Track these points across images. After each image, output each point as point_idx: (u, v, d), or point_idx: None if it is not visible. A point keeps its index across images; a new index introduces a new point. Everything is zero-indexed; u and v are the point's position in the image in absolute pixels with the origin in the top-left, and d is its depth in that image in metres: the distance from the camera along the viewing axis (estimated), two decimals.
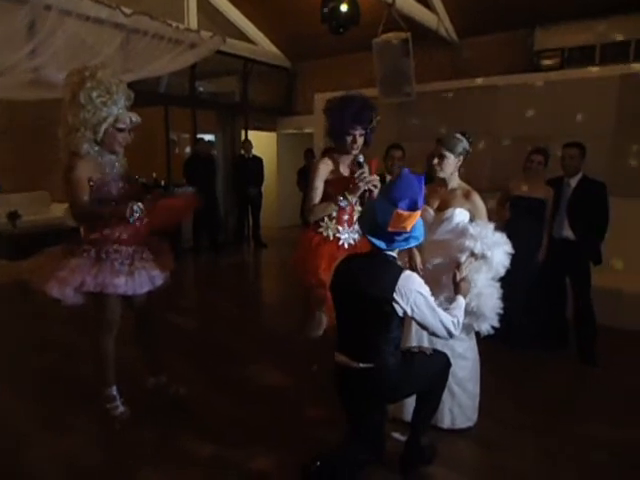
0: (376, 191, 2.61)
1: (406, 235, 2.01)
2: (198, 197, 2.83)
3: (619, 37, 5.38)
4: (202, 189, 2.77)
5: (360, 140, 2.67)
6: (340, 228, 2.75)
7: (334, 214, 2.72)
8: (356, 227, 2.77)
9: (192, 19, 6.37)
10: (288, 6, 6.74)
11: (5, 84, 4.68)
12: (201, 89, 7.94)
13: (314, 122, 7.53)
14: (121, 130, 2.53)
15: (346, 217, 2.76)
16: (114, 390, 2.75)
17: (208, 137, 7.97)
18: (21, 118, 7.75)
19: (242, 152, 7.82)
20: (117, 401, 2.75)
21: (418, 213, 1.99)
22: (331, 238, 2.75)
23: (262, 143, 8.67)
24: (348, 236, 2.77)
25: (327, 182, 2.72)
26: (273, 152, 9.23)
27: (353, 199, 2.66)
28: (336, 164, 2.74)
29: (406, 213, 1.95)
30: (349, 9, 4.36)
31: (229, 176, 8.15)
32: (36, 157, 8.42)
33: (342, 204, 2.65)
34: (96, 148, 2.51)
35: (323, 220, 2.74)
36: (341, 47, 6.83)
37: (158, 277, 2.69)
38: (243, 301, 5.37)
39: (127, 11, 5.33)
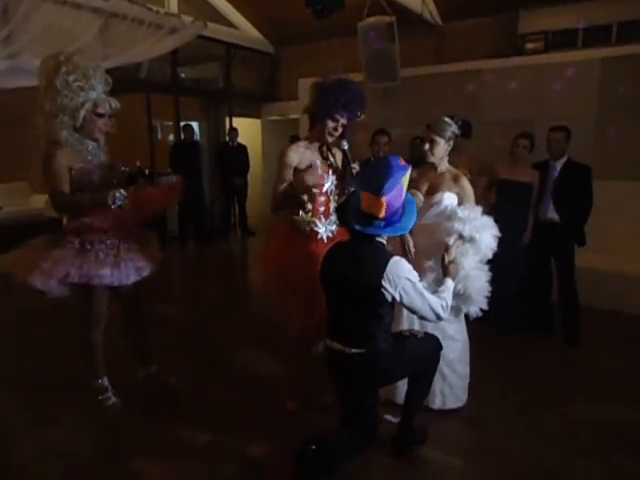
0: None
1: (380, 223, 1.99)
2: (183, 183, 2.71)
3: (600, 20, 5.41)
4: (187, 177, 2.70)
5: (340, 129, 2.50)
6: (317, 221, 2.56)
7: (309, 206, 2.52)
8: (333, 218, 2.61)
9: (172, 3, 6.25)
10: None
11: None
12: (183, 75, 7.80)
13: (299, 108, 7.46)
14: (101, 115, 2.46)
15: (322, 209, 2.57)
16: (105, 381, 2.73)
17: (192, 124, 7.86)
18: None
19: (227, 140, 7.73)
20: (109, 392, 2.73)
21: (381, 200, 1.95)
22: (307, 232, 2.56)
23: (246, 130, 8.57)
24: (325, 229, 2.59)
25: (296, 169, 2.51)
26: (258, 139, 9.14)
27: (330, 186, 2.53)
28: (306, 150, 2.54)
29: (372, 196, 1.95)
30: None
31: (214, 164, 8.06)
32: (14, 147, 8.22)
33: (321, 198, 2.50)
34: (76, 135, 2.44)
35: (298, 214, 2.53)
36: (325, 32, 6.75)
37: (145, 268, 2.64)
38: (231, 289, 5.35)
39: None
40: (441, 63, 6.18)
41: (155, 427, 2.63)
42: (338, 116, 2.45)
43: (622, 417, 2.76)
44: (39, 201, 8.21)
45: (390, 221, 2.02)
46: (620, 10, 5.27)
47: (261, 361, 3.42)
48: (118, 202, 2.27)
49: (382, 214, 1.97)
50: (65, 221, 2.60)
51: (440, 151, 2.60)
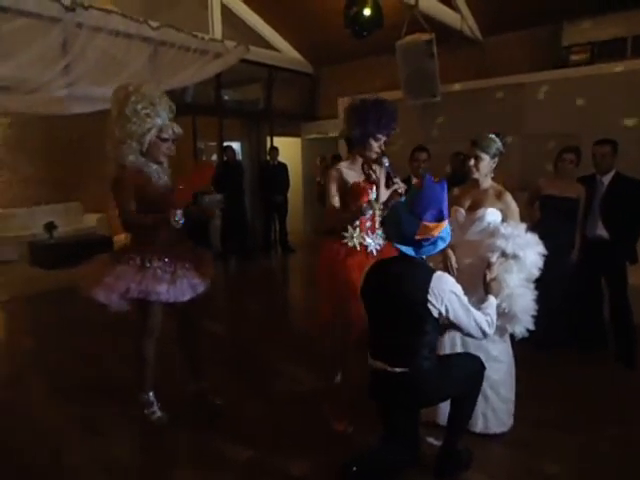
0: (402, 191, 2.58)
1: (433, 239, 2.01)
2: (211, 164, 2.88)
3: None
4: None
5: (377, 146, 2.62)
6: (365, 236, 2.66)
7: (357, 222, 2.63)
8: (379, 232, 2.72)
9: (217, 29, 6.50)
10: (310, 12, 6.80)
11: (40, 100, 4.87)
12: (226, 97, 8.08)
13: (338, 126, 7.55)
14: (165, 140, 2.62)
15: (369, 224, 2.67)
16: (151, 396, 2.83)
17: (234, 144, 8.10)
18: (56, 132, 8.05)
19: (268, 158, 7.90)
20: (154, 406, 2.82)
21: (445, 222, 1.99)
22: (358, 248, 2.65)
23: (287, 149, 8.74)
24: (374, 243, 2.69)
25: (342, 190, 2.64)
26: (298, 157, 9.29)
27: (378, 205, 2.59)
28: (349, 170, 2.67)
29: (432, 224, 1.96)
30: (372, 13, 4.37)
31: (255, 182, 8.24)
32: (69, 169, 8.73)
33: (367, 212, 2.56)
34: (142, 159, 2.62)
35: (347, 230, 2.64)
36: (363, 50, 6.84)
37: (199, 285, 2.75)
38: (272, 306, 5.41)
39: (154, 24, 5.49)
40: (482, 78, 6.11)
41: (199, 442, 2.69)
42: (380, 135, 2.58)
43: None
44: (91, 220, 8.65)
45: (439, 237, 2.03)
46: None
47: (304, 378, 3.43)
48: (181, 222, 2.44)
49: (437, 234, 2.00)
50: (130, 239, 2.74)
51: (485, 167, 2.58)
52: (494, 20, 6.10)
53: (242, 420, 2.90)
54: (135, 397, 2.85)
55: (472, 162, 2.60)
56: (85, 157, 8.83)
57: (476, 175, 2.61)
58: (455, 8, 5.83)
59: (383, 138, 2.60)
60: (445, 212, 2.00)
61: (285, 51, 8.06)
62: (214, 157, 7.76)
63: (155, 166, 2.67)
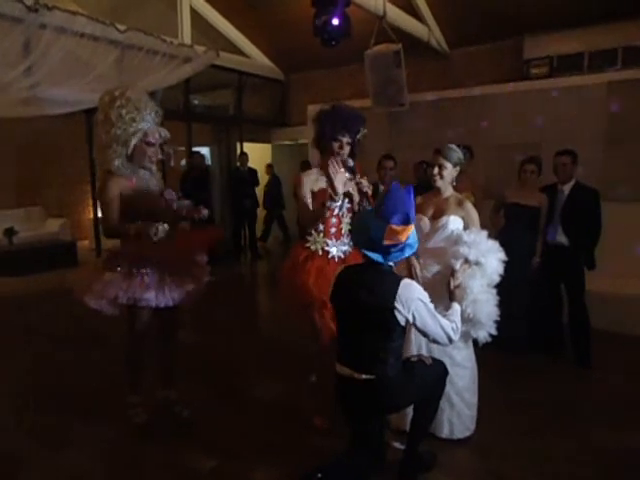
0: (370, 192, 2.62)
1: (401, 246, 2.04)
2: (221, 231, 2.94)
3: (605, 45, 5.48)
4: (198, 202, 2.79)
5: (347, 148, 2.66)
6: (328, 241, 2.71)
7: (321, 227, 2.68)
8: (345, 239, 2.75)
9: (186, 34, 6.45)
10: (280, 19, 6.84)
11: (1, 102, 4.71)
12: (196, 102, 8.01)
13: (308, 133, 7.60)
14: (150, 144, 2.61)
15: (333, 230, 2.71)
16: (136, 399, 2.80)
17: (203, 150, 8.03)
18: (16, 135, 7.79)
19: (237, 164, 7.86)
20: (138, 409, 2.79)
21: (412, 226, 2.03)
22: (320, 253, 2.70)
23: (257, 155, 8.72)
24: (337, 249, 2.72)
25: (312, 193, 2.69)
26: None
27: (339, 198, 2.59)
28: (318, 176, 2.72)
29: (400, 227, 1.99)
30: (341, 22, 4.42)
31: (224, 188, 8.19)
32: (31, 173, 8.47)
33: (332, 205, 2.58)
34: (128, 164, 2.60)
35: (311, 234, 2.71)
36: (333, 59, 6.92)
37: (189, 291, 2.73)
38: (241, 313, 5.37)
39: (121, 27, 5.40)
40: (448, 88, 6.28)
41: (163, 452, 2.63)
42: (339, 136, 2.63)
43: (637, 443, 2.69)
44: (54, 225, 8.40)
45: (406, 243, 2.06)
46: (625, 35, 5.35)
47: (272, 385, 3.41)
48: (160, 235, 2.40)
49: (405, 239, 2.02)
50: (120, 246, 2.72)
51: (448, 175, 2.65)
52: (460, 33, 6.29)
53: (208, 428, 2.85)
54: (100, 408, 2.78)
55: (436, 170, 2.66)
56: (47, 160, 8.59)
57: (439, 183, 2.67)
58: (422, 20, 5.99)
59: (344, 139, 2.64)
60: (412, 216, 2.03)
61: (255, 57, 8.07)
62: (183, 162, 7.67)
63: (142, 172, 2.66)
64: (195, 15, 6.81)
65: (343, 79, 7.58)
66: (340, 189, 2.54)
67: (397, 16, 5.57)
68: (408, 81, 5.82)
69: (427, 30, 6.12)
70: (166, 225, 2.43)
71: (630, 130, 4.93)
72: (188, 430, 2.81)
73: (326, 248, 2.70)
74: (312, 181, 2.70)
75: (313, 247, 2.71)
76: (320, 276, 2.59)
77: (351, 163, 2.65)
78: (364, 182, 2.61)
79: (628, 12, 5.14)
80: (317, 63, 7.63)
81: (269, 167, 8.81)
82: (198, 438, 2.75)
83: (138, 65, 5.70)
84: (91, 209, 7.53)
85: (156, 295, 2.58)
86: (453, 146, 2.66)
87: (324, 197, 2.61)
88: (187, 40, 6.42)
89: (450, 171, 2.64)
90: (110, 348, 3.87)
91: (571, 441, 2.72)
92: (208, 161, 8.43)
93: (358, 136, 2.71)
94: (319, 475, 2.05)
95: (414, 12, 5.83)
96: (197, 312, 5.60)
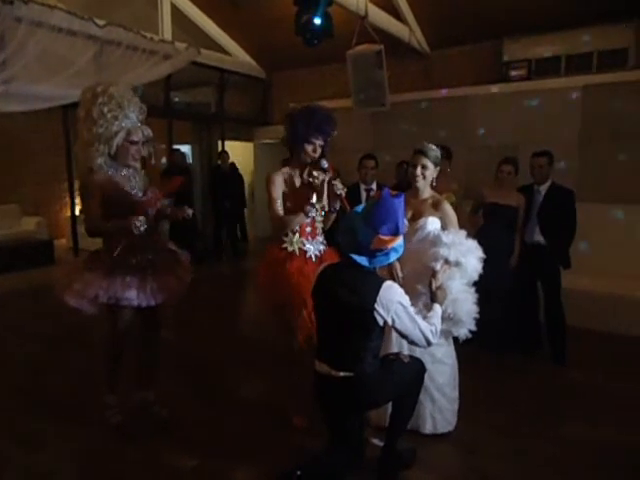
0: (343, 193, 2.58)
1: (387, 251, 2.06)
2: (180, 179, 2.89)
3: (581, 49, 5.61)
4: (178, 200, 2.76)
5: (319, 150, 2.66)
6: (304, 241, 2.71)
7: (297, 228, 2.68)
8: (319, 238, 2.77)
9: (166, 30, 6.38)
10: (262, 17, 6.81)
11: None
12: (177, 99, 7.92)
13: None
14: (134, 143, 2.56)
15: (309, 229, 2.72)
16: (113, 399, 2.76)
17: (184, 148, 7.94)
18: None
19: (219, 162, 7.81)
20: (115, 409, 2.76)
21: (400, 237, 2.05)
22: (297, 253, 2.69)
23: (239, 153, 8.67)
24: (314, 248, 2.73)
25: (284, 194, 2.68)
26: (250, 162, 9.25)
27: (320, 205, 2.60)
28: (290, 176, 2.71)
29: (388, 238, 2.01)
30: (323, 22, 4.43)
31: (206, 187, 8.11)
32: (5, 171, 8.26)
33: (311, 213, 2.59)
34: (110, 162, 2.55)
35: (287, 235, 2.69)
36: (316, 58, 6.92)
37: (171, 289, 2.70)
38: (222, 312, 5.34)
39: (100, 22, 5.32)
40: (429, 89, 6.34)
41: (142, 452, 2.60)
42: (313, 139, 2.62)
43: (615, 439, 2.75)
44: (30, 223, 8.23)
45: (392, 248, 2.07)
46: (600, 39, 5.48)
47: (252, 384, 3.41)
48: (142, 229, 2.38)
49: (391, 246, 2.04)
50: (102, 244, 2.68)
51: (430, 175, 2.68)
52: (441, 34, 6.35)
53: (188, 428, 2.84)
54: (76, 409, 2.73)
55: (419, 170, 2.67)
56: (22, 157, 8.40)
57: (420, 183, 2.69)
58: (404, 21, 6.03)
59: (317, 142, 2.63)
60: (401, 227, 2.04)
61: (237, 55, 8.02)
62: (163, 160, 7.58)
63: (126, 170, 2.61)
64: (176, 12, 6.74)
65: (326, 78, 7.59)
66: (325, 200, 2.58)
67: (379, 16, 5.60)
68: (389, 81, 5.86)
69: (408, 31, 6.17)
70: (142, 218, 2.40)
71: (604, 132, 5.06)
72: (167, 430, 2.78)
73: (303, 248, 2.71)
74: (283, 182, 2.68)
75: (290, 248, 2.69)
76: (300, 276, 2.60)
77: (325, 165, 2.63)
78: (338, 184, 2.57)
79: (604, 17, 5.26)
80: (300, 62, 7.62)
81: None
82: (178, 438, 2.73)
83: (117, 61, 5.62)
84: (68, 207, 7.39)
85: (137, 294, 2.54)
86: (432, 145, 2.69)
87: (300, 198, 2.61)
88: (168, 36, 6.35)
89: (432, 171, 2.67)
90: (87, 347, 3.81)
91: (549, 437, 2.78)
92: (189, 159, 8.35)
93: (331, 137, 2.70)
94: (298, 473, 2.06)
95: (395, 13, 5.87)
96: (177, 311, 5.56)
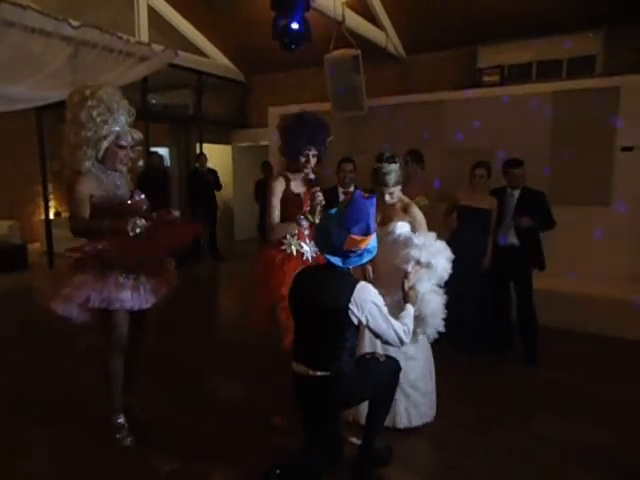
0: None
1: (360, 252, 2.11)
2: (202, 226, 2.91)
3: (552, 56, 5.78)
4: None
5: (313, 160, 2.75)
6: (302, 243, 2.82)
7: (295, 231, 2.79)
8: None
9: (143, 32, 6.33)
10: (240, 21, 6.82)
11: None
12: (154, 101, 7.87)
13: (269, 135, 7.62)
14: (122, 147, 2.52)
15: (307, 232, 2.83)
16: (122, 418, 2.68)
17: (162, 150, 7.89)
18: None
19: (197, 165, 7.77)
20: (126, 430, 2.67)
21: (372, 236, 2.10)
22: (295, 254, 2.79)
23: (217, 156, 8.65)
24: (310, 250, 2.83)
25: (282, 200, 2.78)
26: (228, 165, 9.22)
27: (313, 218, 2.73)
28: (288, 182, 2.80)
29: (359, 237, 2.06)
30: (300, 27, 4.47)
31: (184, 189, 8.06)
32: None
33: (303, 223, 2.73)
34: (98, 166, 2.51)
35: (285, 237, 2.79)
36: (294, 61, 6.97)
37: (162, 292, 2.65)
38: (201, 315, 5.32)
39: (75, 23, 5.25)
40: (406, 94, 6.45)
41: (120, 455, 2.60)
42: (306, 151, 2.71)
43: (586, 436, 2.83)
44: (2, 227, 8.04)
45: (365, 249, 2.13)
46: (569, 47, 5.66)
47: (231, 386, 3.42)
48: (137, 230, 2.33)
49: (364, 247, 2.10)
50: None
51: (396, 195, 2.76)
52: (417, 40, 6.47)
53: (168, 432, 2.83)
54: (59, 412, 2.71)
55: (388, 197, 2.73)
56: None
57: (392, 202, 2.76)
58: (380, 27, 6.12)
59: (310, 153, 2.72)
60: (372, 227, 2.10)
61: (215, 57, 8.01)
62: (140, 163, 7.50)
63: (112, 174, 2.57)
64: (153, 14, 6.70)
65: (304, 81, 7.64)
66: (318, 215, 2.69)
67: (356, 22, 5.67)
68: (367, 86, 5.93)
69: (385, 36, 6.27)
70: (144, 220, 2.36)
71: (573, 137, 5.22)
72: (146, 433, 2.77)
73: (300, 250, 2.80)
74: (282, 187, 2.78)
75: (289, 250, 2.78)
76: None
77: (312, 176, 2.75)
78: (319, 196, 2.70)
79: (573, 25, 5.44)
80: (278, 65, 7.65)
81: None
82: (157, 441, 2.73)
83: (93, 63, 5.55)
84: (42, 210, 7.25)
85: (132, 295, 2.48)
86: (386, 168, 2.69)
87: (294, 206, 2.73)
88: (144, 38, 6.30)
89: (397, 192, 2.75)
90: (64, 351, 3.77)
91: (521, 435, 2.84)
92: (167, 162, 8.29)
93: (325, 145, 2.78)
94: (277, 471, 2.09)
95: (372, 18, 5.96)
96: (157, 315, 5.52)
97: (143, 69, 6.13)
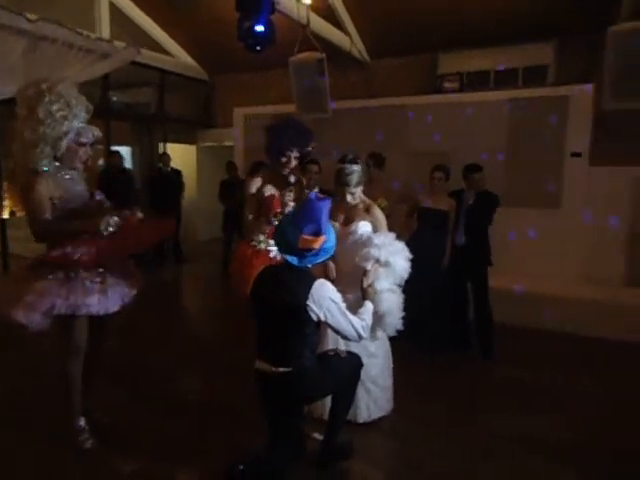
0: None
1: (315, 251, 2.17)
2: (173, 223, 2.96)
3: (509, 64, 6.03)
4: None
5: (294, 162, 2.91)
6: (271, 242, 2.92)
7: (267, 230, 2.95)
8: None
9: (104, 28, 6.21)
10: (206, 20, 6.77)
11: None
12: (115, 99, 7.70)
13: (234, 135, 7.60)
14: (82, 144, 2.44)
15: None
16: (83, 421, 2.61)
17: (124, 149, 7.73)
18: None
19: (160, 165, 7.66)
20: (86, 433, 2.60)
21: (323, 237, 2.16)
22: (263, 251, 2.98)
23: (181, 156, 8.54)
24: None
25: (258, 199, 2.93)
26: (193, 165, 9.12)
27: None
28: (265, 181, 2.95)
29: (311, 238, 2.13)
30: (265, 30, 4.49)
31: (147, 190, 7.92)
32: None
33: (275, 223, 2.84)
34: (55, 164, 2.40)
35: (257, 235, 2.98)
36: (260, 62, 6.95)
37: (129, 294, 2.58)
38: (164, 317, 5.25)
39: (32, 17, 5.10)
40: (369, 97, 6.57)
41: (81, 457, 2.56)
42: (287, 152, 2.87)
43: (541, 431, 2.94)
44: None
45: (321, 249, 2.19)
46: (524, 56, 5.91)
47: (194, 386, 3.43)
48: (110, 228, 2.25)
49: (318, 247, 2.16)
50: (46, 251, 2.42)
51: (358, 195, 2.86)
52: (381, 45, 6.60)
53: (130, 432, 2.81)
54: (20, 414, 2.67)
55: (349, 197, 2.81)
56: None
57: (354, 202, 2.85)
58: (345, 31, 6.22)
59: (291, 155, 2.88)
60: (323, 228, 2.16)
61: (179, 56, 7.92)
62: (100, 162, 7.33)
63: (70, 172, 2.46)
64: (116, 11, 6.58)
65: (270, 82, 7.64)
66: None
67: (321, 26, 5.74)
68: (332, 89, 6.02)
69: (349, 41, 6.37)
70: (117, 218, 2.29)
71: (527, 143, 5.47)
72: (109, 436, 2.72)
73: (268, 248, 2.96)
74: (256, 186, 2.97)
75: (258, 246, 2.99)
76: None
77: (293, 179, 2.93)
78: (289, 197, 2.91)
79: (528, 35, 5.69)
80: (244, 65, 7.62)
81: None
82: (120, 443, 2.70)
83: (51, 58, 5.39)
84: None
85: (98, 300, 2.39)
86: (349, 169, 2.77)
87: (266, 207, 2.90)
88: (106, 35, 6.18)
89: (358, 192, 2.84)
90: (23, 353, 3.67)
91: (477, 429, 2.96)
92: (129, 161, 8.12)
93: (307, 149, 2.95)
94: (241, 467, 2.12)
95: (337, 23, 6.05)
96: (120, 318, 5.41)
97: (104, 66, 6.01)
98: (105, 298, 2.43)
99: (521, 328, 4.61)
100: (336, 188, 2.82)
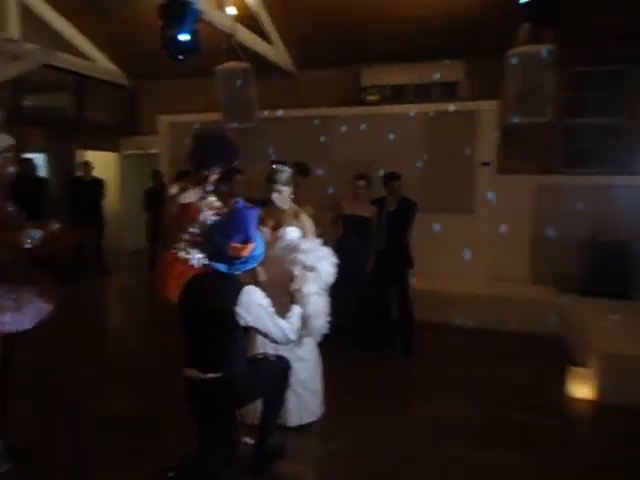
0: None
1: (244, 259, 2.24)
2: (79, 228, 2.85)
3: (426, 80, 6.43)
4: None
5: (213, 177, 2.96)
6: (191, 250, 2.98)
7: (187, 237, 2.97)
8: None
9: (13, 29, 5.84)
10: (127, 25, 6.58)
11: None
12: (28, 103, 7.24)
13: (159, 143, 7.43)
14: None
15: (199, 239, 2.95)
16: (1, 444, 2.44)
17: (38, 157, 7.26)
18: None
19: (81, 174, 7.29)
20: (3, 457, 2.44)
21: (251, 245, 2.23)
22: (183, 259, 2.99)
23: (101, 163, 8.18)
24: (200, 256, 2.94)
25: (179, 206, 2.95)
26: (114, 173, 8.77)
27: (200, 227, 2.92)
28: (183, 191, 2.97)
29: (240, 246, 2.19)
30: (189, 39, 4.46)
31: (63, 199, 7.48)
32: None
33: (193, 231, 2.94)
34: None
35: (177, 242, 3.00)
36: (186, 70, 6.84)
37: (44, 309, 2.45)
38: (86, 332, 5.01)
39: None
40: (296, 108, 6.71)
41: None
42: (209, 166, 2.93)
43: (459, 414, 3.23)
44: None
45: (250, 256, 2.25)
46: (439, 72, 6.33)
47: (119, 402, 3.34)
48: (34, 241, 2.20)
49: (247, 254, 2.22)
50: None
51: (286, 193, 2.98)
52: (306, 56, 6.77)
53: (50, 452, 2.69)
54: None
55: (276, 195, 2.94)
56: None
57: (280, 203, 2.97)
58: (270, 42, 6.32)
59: (211, 171, 2.95)
60: (251, 236, 2.23)
61: (98, 61, 7.62)
62: (11, 169, 6.83)
63: None
64: (28, 12, 6.22)
65: (195, 91, 7.54)
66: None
67: (246, 36, 5.81)
68: (259, 98, 6.08)
69: (275, 51, 6.48)
70: (39, 231, 2.22)
71: (442, 153, 5.89)
72: (26, 459, 2.58)
73: (188, 255, 2.99)
74: (172, 194, 3.00)
75: (179, 254, 3.01)
76: (181, 278, 2.72)
77: (210, 188, 2.99)
78: (206, 206, 2.95)
79: (440, 54, 6.10)
80: (168, 72, 7.43)
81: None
82: (38, 464, 2.57)
83: None
84: None
85: (12, 317, 2.28)
86: (280, 168, 2.97)
87: (180, 216, 2.92)
88: (15, 35, 5.82)
89: (287, 191, 2.95)
90: None
91: (400, 416, 3.19)
92: (43, 169, 7.64)
93: (230, 166, 3.07)
94: (170, 475, 2.11)
95: (262, 33, 6.14)
96: (37, 332, 5.08)
97: (13, 68, 5.67)
98: (20, 315, 2.33)
99: (438, 324, 4.94)
100: (266, 188, 2.95)
